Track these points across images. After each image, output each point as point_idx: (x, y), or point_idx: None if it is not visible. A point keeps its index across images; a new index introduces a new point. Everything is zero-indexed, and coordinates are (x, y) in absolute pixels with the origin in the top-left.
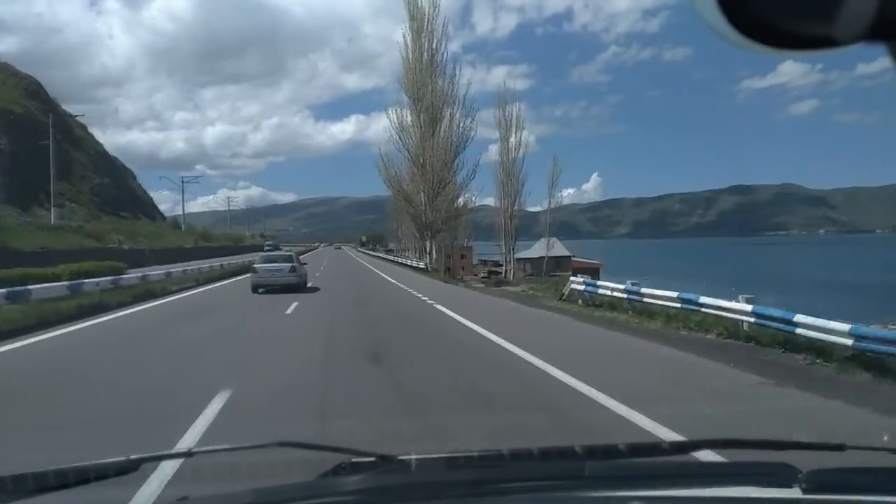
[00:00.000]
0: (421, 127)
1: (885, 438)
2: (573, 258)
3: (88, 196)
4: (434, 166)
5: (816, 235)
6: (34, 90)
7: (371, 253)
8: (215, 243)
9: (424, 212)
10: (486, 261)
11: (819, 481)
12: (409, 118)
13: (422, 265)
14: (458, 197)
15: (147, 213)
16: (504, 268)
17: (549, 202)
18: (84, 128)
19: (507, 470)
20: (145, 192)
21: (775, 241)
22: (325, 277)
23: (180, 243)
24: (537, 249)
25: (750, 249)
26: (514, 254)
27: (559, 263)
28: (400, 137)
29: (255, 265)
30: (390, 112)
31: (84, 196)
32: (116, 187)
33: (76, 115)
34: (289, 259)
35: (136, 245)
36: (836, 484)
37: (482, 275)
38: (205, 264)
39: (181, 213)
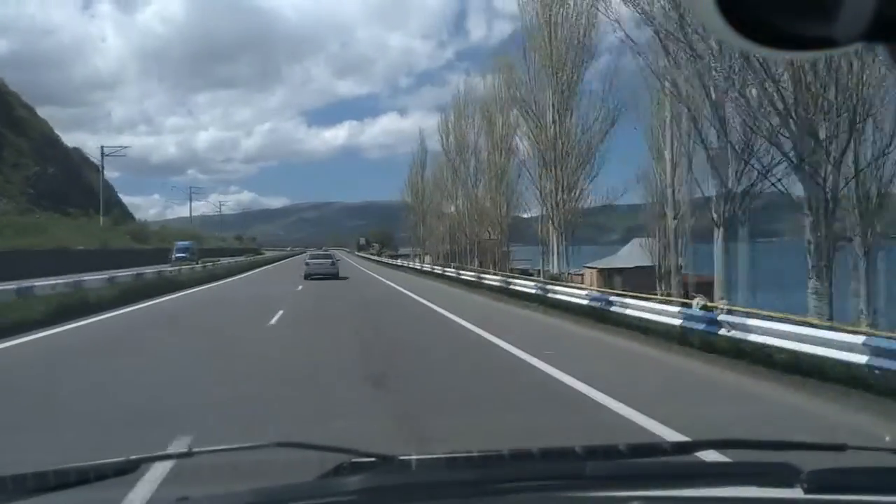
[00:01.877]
0: None
1: (888, 439)
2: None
3: (21, 187)
4: None
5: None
6: None
7: (378, 259)
8: (153, 245)
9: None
10: (512, 269)
11: (820, 481)
12: None
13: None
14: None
15: (105, 212)
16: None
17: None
18: (30, 109)
19: (507, 470)
20: (109, 188)
21: (775, 246)
22: None
23: (78, 244)
24: (627, 255)
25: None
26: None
27: (649, 276)
28: None
29: (307, 261)
30: None
31: (14, 186)
32: (65, 179)
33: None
34: (328, 257)
35: None
36: (838, 484)
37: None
38: (34, 283)
39: (173, 216)
